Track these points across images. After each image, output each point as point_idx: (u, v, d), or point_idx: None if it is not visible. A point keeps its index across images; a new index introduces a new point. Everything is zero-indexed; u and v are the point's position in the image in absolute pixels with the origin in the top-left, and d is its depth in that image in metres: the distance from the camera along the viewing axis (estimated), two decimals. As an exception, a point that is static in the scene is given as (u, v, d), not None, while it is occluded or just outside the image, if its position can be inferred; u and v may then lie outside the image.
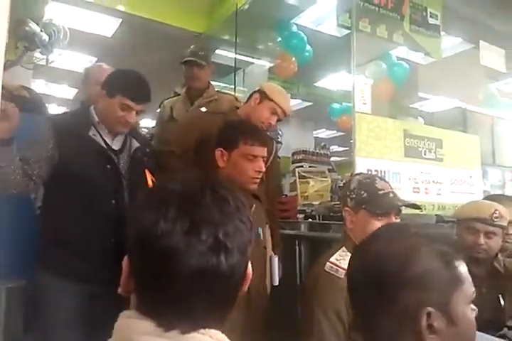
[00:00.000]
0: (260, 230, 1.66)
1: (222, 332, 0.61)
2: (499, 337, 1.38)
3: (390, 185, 1.47)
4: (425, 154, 2.44)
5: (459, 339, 0.75)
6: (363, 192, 1.42)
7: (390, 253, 0.78)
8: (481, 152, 3.47)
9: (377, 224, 1.37)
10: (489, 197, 2.11)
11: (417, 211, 2.32)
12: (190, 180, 0.66)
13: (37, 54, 3.94)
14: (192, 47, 2.73)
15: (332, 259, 1.35)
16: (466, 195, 2.61)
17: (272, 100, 2.05)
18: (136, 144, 1.79)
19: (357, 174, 1.58)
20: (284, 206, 3.10)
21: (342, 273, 1.31)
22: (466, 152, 2.71)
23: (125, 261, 0.62)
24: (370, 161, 2.16)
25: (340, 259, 1.35)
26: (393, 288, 0.75)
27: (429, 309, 0.71)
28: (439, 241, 0.80)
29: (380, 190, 1.42)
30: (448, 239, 0.84)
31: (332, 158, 6.15)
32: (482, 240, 1.72)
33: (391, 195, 1.42)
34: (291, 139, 5.83)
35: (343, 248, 1.40)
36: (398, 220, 1.41)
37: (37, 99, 3.33)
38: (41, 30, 3.74)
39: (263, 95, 2.07)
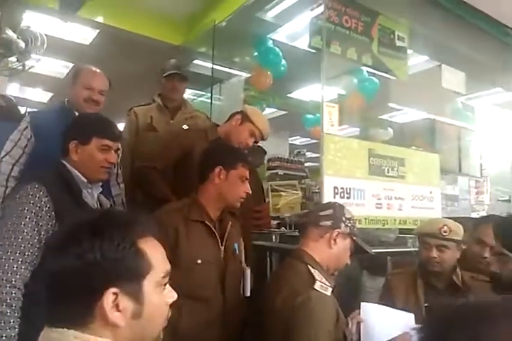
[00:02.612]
0: (236, 245, 1.76)
1: None
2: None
3: None
4: (388, 172, 2.61)
5: None
6: (354, 225, 1.64)
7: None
8: (448, 161, 3.68)
9: (349, 252, 1.62)
10: (483, 218, 2.28)
11: (380, 225, 2.51)
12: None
13: (13, 58, 3.94)
14: (172, 61, 2.83)
15: (317, 278, 1.44)
16: (426, 210, 2.79)
17: (252, 123, 2.18)
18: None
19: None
20: (259, 214, 3.19)
21: (330, 291, 1.43)
22: (427, 169, 2.89)
23: None
24: (336, 179, 2.31)
25: (322, 278, 1.46)
26: None
27: None
28: None
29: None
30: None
31: (306, 164, 6.27)
32: (434, 253, 1.85)
33: None
34: (267, 146, 5.93)
35: (309, 266, 1.49)
36: None
37: (12, 107, 3.37)
38: (18, 37, 3.75)
39: (245, 117, 2.20)
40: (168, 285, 0.80)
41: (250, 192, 1.75)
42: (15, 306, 1.28)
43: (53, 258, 0.73)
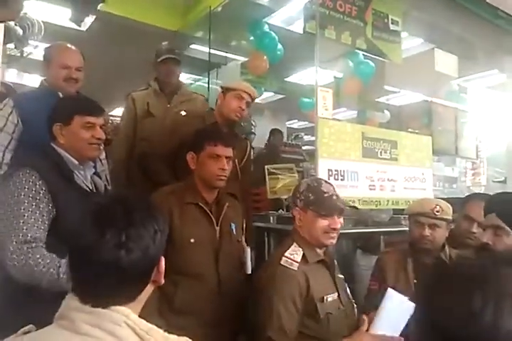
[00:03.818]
0: (233, 226, 1.84)
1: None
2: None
3: (333, 188, 1.68)
4: (381, 154, 2.68)
5: None
6: (310, 195, 1.62)
7: None
8: (445, 143, 3.76)
9: (323, 222, 1.58)
10: (469, 196, 2.32)
11: (373, 206, 2.61)
12: (108, 197, 0.87)
13: (10, 45, 3.96)
14: (165, 44, 2.82)
15: (287, 254, 1.54)
16: (418, 191, 2.87)
17: (234, 89, 2.26)
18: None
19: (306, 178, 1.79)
20: (258, 197, 3.27)
21: (296, 266, 1.52)
22: (419, 151, 2.96)
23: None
24: (331, 162, 2.39)
25: (294, 254, 1.55)
26: None
27: None
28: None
29: (325, 193, 1.62)
30: None
31: (304, 147, 6.32)
32: (427, 232, 1.94)
33: (334, 197, 1.62)
34: (264, 130, 5.97)
35: (295, 243, 1.59)
36: (341, 219, 1.61)
37: (12, 93, 3.42)
38: (15, 24, 3.76)
39: (225, 89, 2.28)
40: None
41: (226, 167, 1.78)
42: (43, 267, 1.35)
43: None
